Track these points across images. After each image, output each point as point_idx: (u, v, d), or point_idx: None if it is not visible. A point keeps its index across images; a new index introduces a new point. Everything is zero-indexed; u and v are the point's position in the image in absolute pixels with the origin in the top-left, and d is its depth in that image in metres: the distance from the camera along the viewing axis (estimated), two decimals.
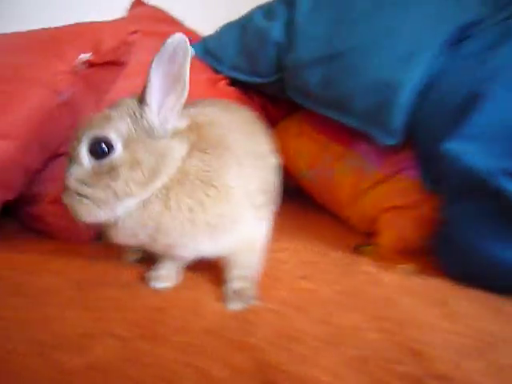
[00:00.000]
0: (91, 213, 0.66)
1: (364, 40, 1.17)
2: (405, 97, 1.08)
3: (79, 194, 0.66)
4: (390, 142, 1.10)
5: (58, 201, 1.01)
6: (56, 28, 1.09)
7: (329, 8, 1.29)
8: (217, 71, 1.53)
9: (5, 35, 1.13)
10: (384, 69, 1.12)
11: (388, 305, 0.75)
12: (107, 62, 1.04)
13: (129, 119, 0.66)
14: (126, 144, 0.65)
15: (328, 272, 0.89)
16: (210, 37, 1.59)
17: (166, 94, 0.66)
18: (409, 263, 0.92)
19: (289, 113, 1.55)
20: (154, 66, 0.64)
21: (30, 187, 1.01)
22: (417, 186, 1.11)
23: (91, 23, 1.11)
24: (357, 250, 1.03)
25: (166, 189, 0.66)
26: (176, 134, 0.68)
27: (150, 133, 0.66)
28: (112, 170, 0.64)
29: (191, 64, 0.65)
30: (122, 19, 1.70)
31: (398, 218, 1.09)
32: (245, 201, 0.71)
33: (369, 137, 1.16)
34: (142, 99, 0.66)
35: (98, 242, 1.04)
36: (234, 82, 1.52)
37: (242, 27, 1.48)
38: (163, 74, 0.65)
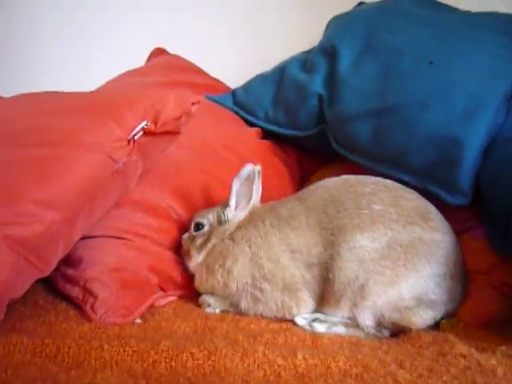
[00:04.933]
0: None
1: (419, 94, 1.12)
2: (472, 154, 1.02)
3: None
4: (459, 202, 1.03)
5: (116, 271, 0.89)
6: (112, 91, 0.99)
7: (374, 60, 1.24)
8: (249, 123, 1.47)
9: (54, 93, 1.04)
10: (445, 124, 1.06)
11: None
12: (163, 132, 0.94)
13: (216, 214, 1.07)
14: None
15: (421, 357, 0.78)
16: (240, 88, 1.53)
17: (241, 200, 1.04)
18: (504, 343, 0.82)
19: (324, 165, 1.48)
20: (233, 184, 1.02)
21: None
22: (486, 248, 1.02)
23: (150, 87, 1.02)
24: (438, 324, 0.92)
25: None
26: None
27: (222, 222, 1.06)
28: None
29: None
30: (148, 69, 1.64)
31: (471, 284, 0.99)
32: None
33: (428, 194, 1.08)
34: (226, 203, 1.06)
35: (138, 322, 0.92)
36: (267, 135, 1.46)
37: (276, 80, 1.43)
38: (238, 190, 1.03)
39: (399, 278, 0.88)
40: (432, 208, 0.98)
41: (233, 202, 1.03)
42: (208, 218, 1.06)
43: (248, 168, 1.01)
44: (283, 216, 0.99)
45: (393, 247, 0.89)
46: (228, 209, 1.04)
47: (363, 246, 0.89)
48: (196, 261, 1.04)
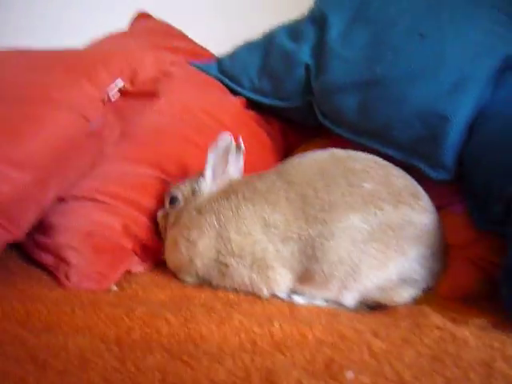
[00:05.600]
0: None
1: (408, 67, 1.09)
2: (457, 129, 1.01)
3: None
4: (442, 177, 1.02)
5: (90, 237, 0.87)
6: (87, 49, 0.94)
7: (364, 30, 1.21)
8: (234, 93, 1.43)
9: (28, 51, 0.98)
10: (432, 98, 1.05)
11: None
12: (141, 92, 0.90)
13: (190, 186, 1.02)
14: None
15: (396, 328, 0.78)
16: (227, 57, 1.48)
17: (217, 172, 1.00)
18: (479, 315, 0.83)
19: (309, 138, 1.46)
20: (209, 154, 0.98)
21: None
22: (465, 223, 1.03)
23: (128, 47, 0.97)
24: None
25: None
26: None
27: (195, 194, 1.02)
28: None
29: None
30: (130, 33, 1.58)
31: (449, 259, 1.00)
32: None
33: (411, 169, 1.07)
34: (201, 174, 1.01)
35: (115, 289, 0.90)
36: (251, 105, 1.43)
37: (263, 48, 1.39)
38: (214, 162, 0.98)
39: (389, 261, 0.88)
40: (419, 186, 0.97)
41: (208, 173, 0.98)
42: (182, 191, 1.01)
43: (225, 137, 0.96)
44: (259, 190, 0.95)
45: (384, 230, 0.88)
46: (202, 180, 0.99)
47: (356, 226, 0.87)
48: None
